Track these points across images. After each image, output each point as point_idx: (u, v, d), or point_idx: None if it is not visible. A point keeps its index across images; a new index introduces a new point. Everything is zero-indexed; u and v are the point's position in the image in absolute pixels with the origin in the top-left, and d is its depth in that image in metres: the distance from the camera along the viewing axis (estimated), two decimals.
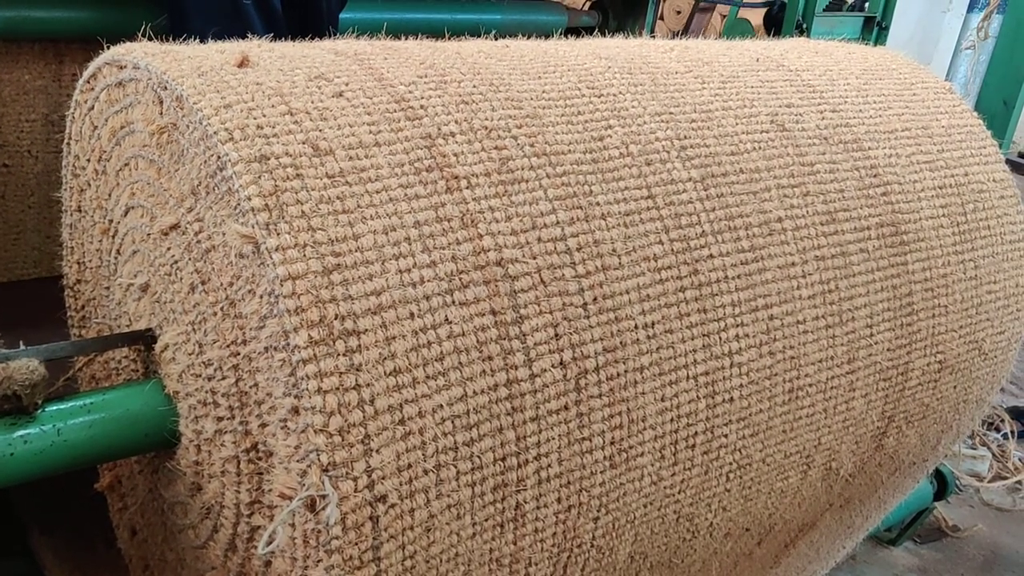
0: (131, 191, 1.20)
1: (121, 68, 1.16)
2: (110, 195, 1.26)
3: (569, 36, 2.97)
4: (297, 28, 2.09)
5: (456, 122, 1.13)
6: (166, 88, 1.06)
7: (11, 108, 2.20)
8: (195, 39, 1.96)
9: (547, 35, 2.95)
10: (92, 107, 1.24)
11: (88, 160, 1.29)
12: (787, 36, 3.67)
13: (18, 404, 1.05)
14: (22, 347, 1.09)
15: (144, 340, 1.17)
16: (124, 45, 1.17)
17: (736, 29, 3.97)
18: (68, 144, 1.33)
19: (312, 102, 1.06)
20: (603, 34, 3.09)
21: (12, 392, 1.04)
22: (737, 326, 1.23)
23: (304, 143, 1.00)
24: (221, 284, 1.03)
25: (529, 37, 2.91)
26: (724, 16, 4.50)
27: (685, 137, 1.30)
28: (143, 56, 1.11)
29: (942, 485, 2.54)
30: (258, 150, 0.97)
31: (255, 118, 1.00)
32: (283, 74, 1.09)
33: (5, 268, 2.31)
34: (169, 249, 1.12)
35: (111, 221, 1.27)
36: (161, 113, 1.08)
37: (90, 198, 1.32)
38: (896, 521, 2.66)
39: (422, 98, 1.14)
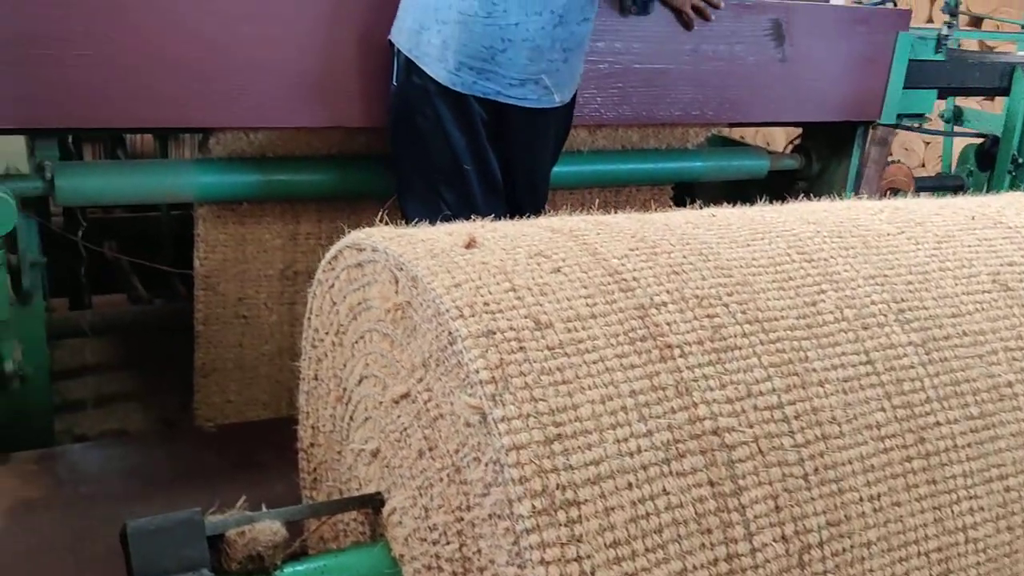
0: (365, 362, 1.30)
1: (360, 251, 1.28)
2: (345, 365, 1.37)
3: (771, 178, 3.03)
4: (512, 189, 2.23)
5: (668, 292, 1.16)
6: (402, 269, 1.16)
7: (252, 265, 2.43)
8: (420, 200, 2.15)
9: (750, 179, 3.01)
10: (332, 285, 1.37)
11: (327, 333, 1.41)
12: (1001, 171, 3.54)
13: (260, 564, 1.13)
14: (264, 509, 1.18)
15: (373, 504, 1.23)
16: (363, 230, 1.30)
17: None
18: (308, 319, 1.46)
19: (533, 278, 1.12)
20: (806, 177, 3.12)
21: (256, 553, 1.13)
22: (970, 498, 1.17)
23: (526, 317, 1.06)
24: (448, 451, 1.09)
25: (731, 180, 2.95)
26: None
27: (902, 300, 1.28)
28: (381, 240, 1.22)
29: None
30: (485, 325, 1.04)
31: (482, 295, 1.08)
32: (506, 253, 1.17)
33: (238, 410, 2.51)
34: (399, 416, 1.20)
35: (345, 389, 1.37)
36: (396, 291, 1.18)
37: (327, 368, 1.43)
38: None
39: (634, 270, 1.18)
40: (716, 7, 2.52)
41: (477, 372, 1.00)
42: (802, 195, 3.21)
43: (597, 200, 2.91)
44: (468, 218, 2.13)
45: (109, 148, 3.69)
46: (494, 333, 1.03)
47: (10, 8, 1.80)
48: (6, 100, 1.82)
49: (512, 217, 2.21)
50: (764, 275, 1.24)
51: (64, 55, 1.86)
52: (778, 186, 3.20)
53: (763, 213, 1.46)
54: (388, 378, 1.23)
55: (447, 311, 1.06)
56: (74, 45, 1.86)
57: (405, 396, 1.18)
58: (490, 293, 1.08)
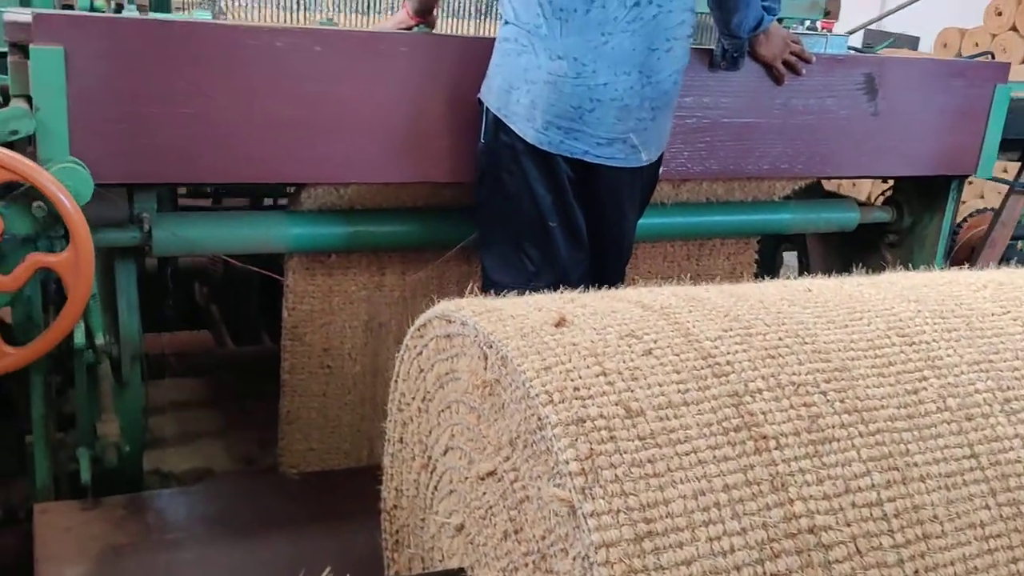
0: (451, 432, 1.30)
1: (450, 322, 1.28)
2: (430, 433, 1.37)
3: (861, 230, 2.96)
4: (596, 245, 2.22)
5: (763, 378, 1.14)
6: (491, 347, 1.16)
7: (338, 316, 2.46)
8: (503, 255, 2.15)
9: (840, 230, 2.95)
10: (421, 352, 1.37)
11: (413, 398, 1.42)
12: None
13: None
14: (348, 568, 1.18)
15: None
16: (453, 301, 1.30)
17: None
18: (395, 382, 1.47)
19: (624, 361, 1.11)
20: (897, 230, 3.04)
21: None
22: None
23: (617, 404, 1.05)
24: (534, 536, 1.08)
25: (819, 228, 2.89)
26: None
27: (1008, 388, 1.23)
28: (471, 314, 1.22)
29: None
30: (575, 412, 1.03)
31: (572, 380, 1.06)
32: (596, 333, 1.16)
33: (320, 458, 2.53)
34: (485, 494, 1.19)
35: (430, 458, 1.37)
36: (485, 368, 1.17)
37: (412, 432, 1.43)
38: None
39: (728, 353, 1.16)
40: (808, 61, 2.48)
41: (567, 463, 0.99)
42: (892, 248, 3.18)
43: (681, 252, 2.88)
44: (551, 274, 2.15)
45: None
46: (584, 421, 1.02)
47: (116, 69, 1.86)
48: (111, 157, 1.88)
49: (596, 272, 2.23)
50: (863, 360, 1.21)
51: (166, 113, 1.91)
52: (868, 238, 3.14)
53: (861, 288, 1.42)
54: (474, 453, 1.23)
55: (536, 395, 1.05)
56: (176, 104, 1.92)
57: (491, 474, 1.18)
58: (580, 377, 1.07)
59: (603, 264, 2.28)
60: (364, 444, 2.56)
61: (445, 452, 1.33)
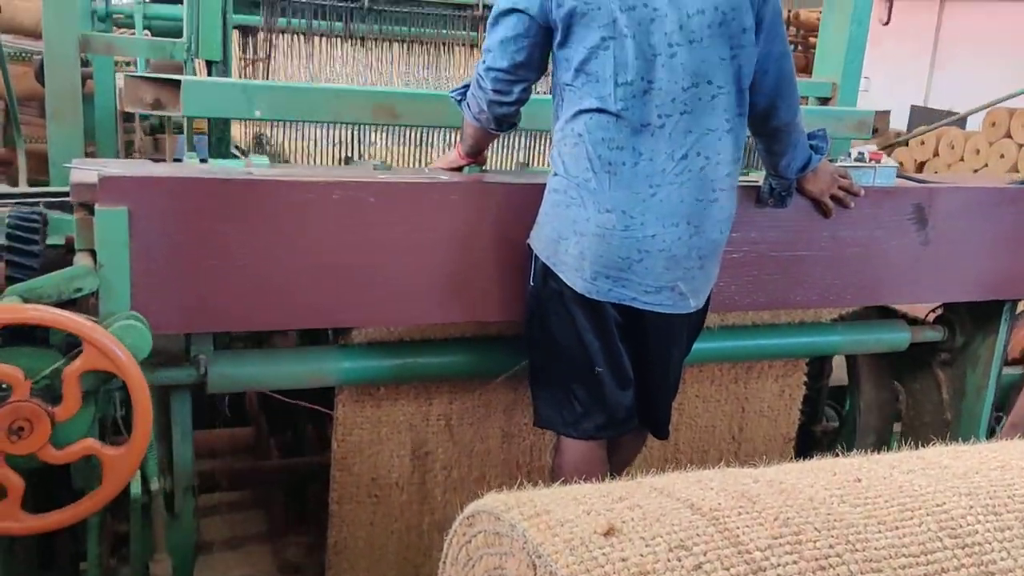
0: None
1: (498, 520, 1.29)
2: None
3: (912, 350, 2.93)
4: (643, 383, 2.23)
5: None
6: (540, 557, 1.16)
7: (386, 445, 2.48)
8: (552, 395, 2.18)
9: (891, 351, 2.92)
10: (470, 541, 1.38)
11: None
12: None
13: None
14: None
15: None
16: (500, 496, 1.31)
17: None
18: (443, 563, 1.48)
19: None
20: (949, 350, 3.00)
21: None
22: None
23: None
24: None
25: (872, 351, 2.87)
26: None
27: None
28: (519, 518, 1.23)
29: None
30: None
31: None
32: (645, 544, 1.16)
33: None
34: None
35: None
36: None
37: None
38: None
39: (779, 565, 1.15)
40: (856, 195, 2.49)
41: None
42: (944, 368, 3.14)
43: (729, 376, 2.87)
44: (599, 415, 2.16)
45: None
46: None
47: (178, 226, 1.93)
48: (172, 308, 1.95)
49: (644, 409, 2.23)
50: (915, 568, 1.20)
51: (225, 265, 1.98)
52: (920, 356, 3.11)
53: (911, 477, 1.41)
54: None
55: None
56: (234, 255, 1.98)
57: None
58: None
59: (651, 401, 2.28)
60: (410, 572, 2.56)
61: None
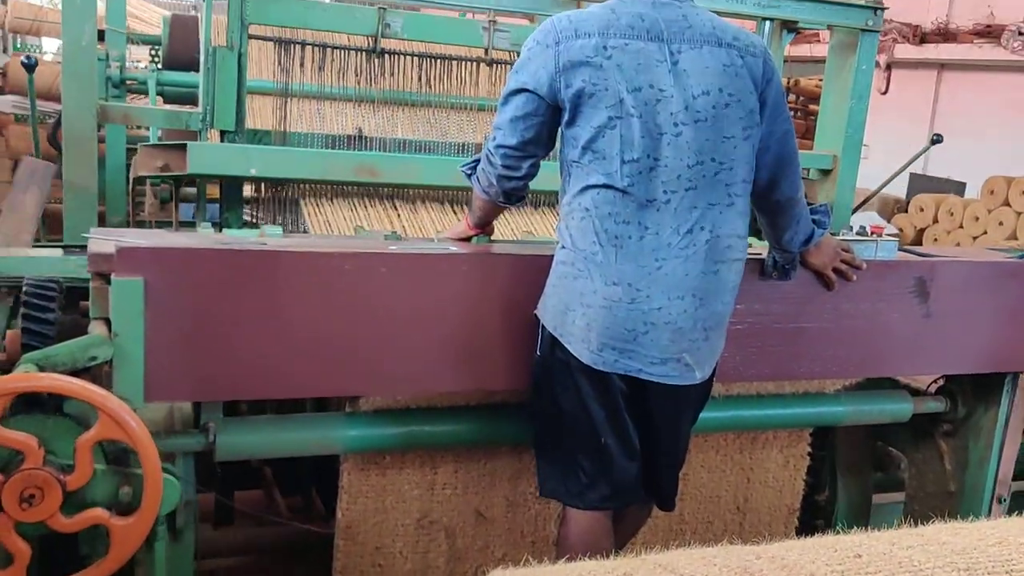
0: None
1: None
2: None
3: (915, 420, 2.95)
4: (649, 454, 2.23)
5: None
6: None
7: (391, 515, 2.48)
8: (557, 465, 2.18)
9: (891, 422, 2.94)
10: None
11: None
12: None
13: None
14: None
15: None
16: (505, 573, 1.31)
17: None
18: None
19: None
20: (951, 420, 3.01)
21: None
22: None
23: None
24: None
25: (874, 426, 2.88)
26: None
27: None
28: None
29: None
30: None
31: None
32: None
33: None
34: None
35: None
36: None
37: None
38: None
39: None
40: (859, 268, 2.53)
41: None
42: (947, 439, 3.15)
43: (734, 446, 2.88)
44: (605, 486, 2.17)
45: None
46: None
47: (192, 296, 1.96)
48: (184, 378, 1.97)
49: (649, 479, 2.24)
50: None
51: (237, 334, 2.00)
52: (922, 427, 3.12)
53: (911, 554, 1.40)
54: None
55: None
56: (247, 325, 2.01)
57: None
58: None
59: (657, 473, 2.29)
60: None
61: None
